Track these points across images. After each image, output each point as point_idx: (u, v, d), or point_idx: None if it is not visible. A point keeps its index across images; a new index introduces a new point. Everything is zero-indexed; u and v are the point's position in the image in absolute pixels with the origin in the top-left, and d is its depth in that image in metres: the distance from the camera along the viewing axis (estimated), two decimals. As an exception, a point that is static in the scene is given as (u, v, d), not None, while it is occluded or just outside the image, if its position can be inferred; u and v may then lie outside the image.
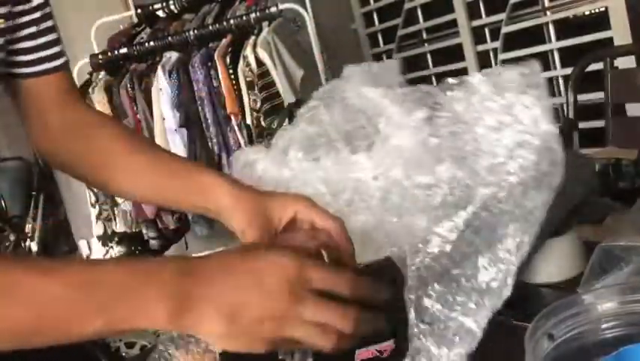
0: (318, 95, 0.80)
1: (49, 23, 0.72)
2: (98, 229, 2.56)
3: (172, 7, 2.58)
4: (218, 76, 2.26)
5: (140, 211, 2.38)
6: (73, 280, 0.44)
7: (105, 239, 2.56)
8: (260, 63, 2.19)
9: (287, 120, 2.07)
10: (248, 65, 2.22)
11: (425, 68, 2.89)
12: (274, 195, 0.63)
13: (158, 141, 2.35)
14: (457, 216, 0.58)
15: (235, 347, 0.46)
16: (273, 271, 0.45)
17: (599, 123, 1.64)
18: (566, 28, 2.34)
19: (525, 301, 0.65)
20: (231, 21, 2.31)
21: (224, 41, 2.30)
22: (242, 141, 2.24)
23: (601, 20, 2.18)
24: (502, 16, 2.43)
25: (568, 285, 0.66)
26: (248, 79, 2.22)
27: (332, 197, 0.70)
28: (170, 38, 2.39)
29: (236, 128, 2.25)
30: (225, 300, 0.45)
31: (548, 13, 2.36)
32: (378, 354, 0.54)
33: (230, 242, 0.65)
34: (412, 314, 0.52)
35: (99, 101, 2.40)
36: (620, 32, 2.10)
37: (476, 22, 2.60)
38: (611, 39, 2.12)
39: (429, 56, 2.87)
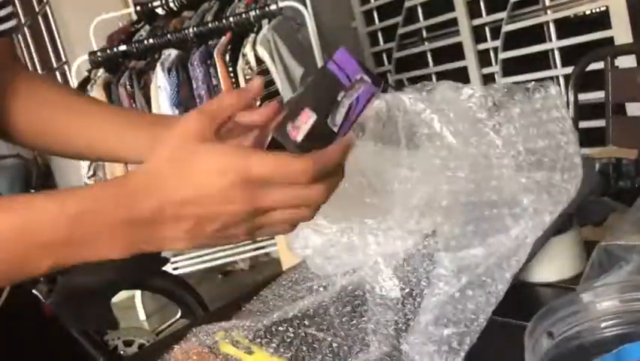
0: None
1: None
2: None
3: (171, 4, 2.58)
4: (217, 74, 2.26)
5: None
6: (14, 222, 0.43)
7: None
8: (259, 61, 2.19)
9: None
10: (247, 63, 2.21)
11: (425, 66, 2.89)
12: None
13: (157, 138, 2.35)
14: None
15: (210, 246, 0.46)
16: (217, 179, 0.42)
17: (599, 123, 1.63)
18: (566, 27, 2.34)
19: (525, 300, 0.65)
20: (231, 19, 2.31)
21: (223, 39, 2.30)
22: (241, 139, 2.24)
23: (601, 19, 2.18)
24: (503, 14, 2.43)
25: (568, 284, 0.66)
26: (247, 77, 2.22)
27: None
28: (169, 36, 2.38)
29: (235, 126, 2.25)
30: (179, 219, 0.43)
31: (549, 12, 2.36)
32: None
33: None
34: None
35: (98, 98, 2.40)
36: (620, 31, 2.09)
37: (476, 21, 2.60)
38: (611, 38, 2.12)
39: (429, 55, 2.87)
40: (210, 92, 2.28)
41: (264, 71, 2.19)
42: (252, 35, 2.24)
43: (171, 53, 2.34)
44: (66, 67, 3.27)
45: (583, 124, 1.65)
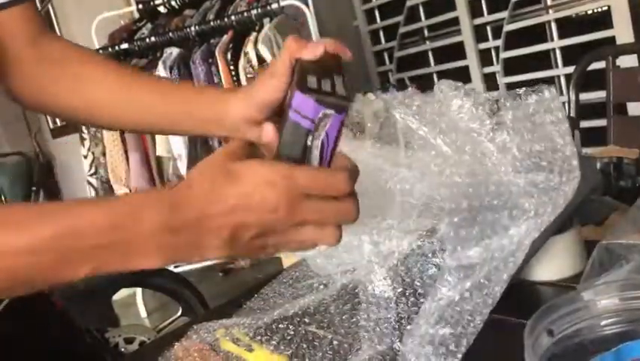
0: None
1: None
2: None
3: (173, 2, 2.58)
4: (219, 72, 2.26)
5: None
6: (59, 226, 0.43)
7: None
8: (261, 59, 2.19)
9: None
10: (249, 61, 2.21)
11: (427, 65, 2.89)
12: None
13: (158, 138, 2.35)
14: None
15: (240, 257, 0.47)
16: (263, 188, 0.44)
17: (600, 122, 1.63)
18: (568, 26, 2.34)
19: (525, 298, 0.65)
20: (232, 17, 2.31)
21: (225, 37, 2.30)
22: (242, 138, 2.24)
23: (603, 19, 2.18)
24: (504, 14, 2.43)
25: (568, 283, 0.66)
26: (249, 75, 2.22)
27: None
28: (171, 34, 2.38)
29: (236, 124, 2.25)
30: (221, 228, 0.44)
31: (550, 11, 2.36)
32: None
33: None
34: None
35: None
36: (622, 31, 2.09)
37: (478, 20, 2.60)
38: (613, 38, 2.12)
39: (430, 54, 2.87)
40: (212, 90, 2.29)
41: (266, 70, 2.19)
42: (254, 34, 2.24)
43: (173, 52, 2.35)
44: (68, 65, 3.26)
45: (584, 124, 1.65)
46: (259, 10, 2.28)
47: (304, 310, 0.67)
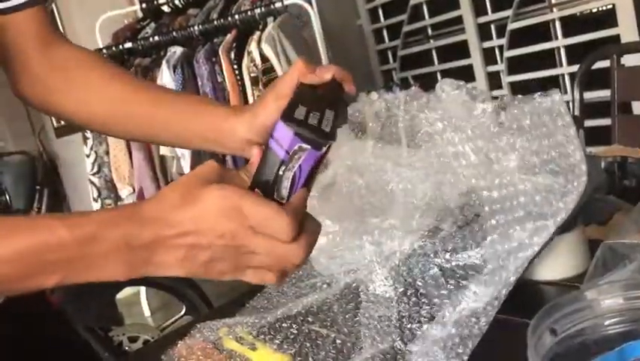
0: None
1: None
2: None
3: (177, 2, 2.58)
4: (222, 71, 2.26)
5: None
6: (21, 245, 0.46)
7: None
8: (264, 59, 2.19)
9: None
10: (252, 60, 2.21)
11: (430, 64, 2.88)
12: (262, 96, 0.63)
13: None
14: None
15: (202, 277, 0.50)
16: (214, 215, 0.46)
17: (605, 121, 1.63)
18: (572, 25, 2.33)
19: (529, 297, 0.65)
20: (236, 16, 2.31)
21: (228, 37, 2.30)
22: (246, 137, 2.24)
23: (608, 17, 2.17)
24: (509, 12, 2.42)
25: (572, 282, 0.66)
26: (252, 75, 2.22)
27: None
28: (174, 33, 2.39)
29: (240, 123, 2.25)
30: (175, 248, 0.47)
31: (555, 10, 2.35)
32: None
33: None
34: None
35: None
36: (627, 30, 2.08)
37: (482, 19, 2.59)
38: (617, 36, 2.11)
39: (434, 53, 2.86)
40: (215, 89, 2.29)
41: (269, 69, 2.19)
42: (257, 33, 2.24)
43: (176, 51, 2.35)
44: (72, 64, 3.26)
45: (588, 123, 1.64)
46: (263, 9, 2.28)
47: (307, 310, 0.67)
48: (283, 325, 0.65)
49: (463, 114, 0.62)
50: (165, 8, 2.64)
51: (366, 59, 3.12)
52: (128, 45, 2.44)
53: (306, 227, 0.48)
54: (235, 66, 2.24)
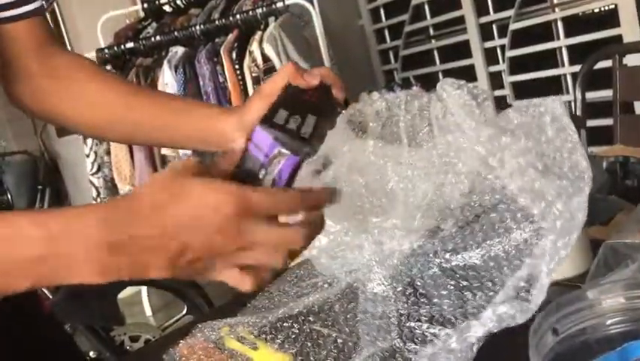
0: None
1: None
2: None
3: (178, 1, 2.58)
4: (224, 71, 2.26)
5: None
6: None
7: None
8: (266, 58, 2.19)
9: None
10: (254, 60, 2.21)
11: (432, 64, 2.88)
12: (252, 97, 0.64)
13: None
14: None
15: (183, 278, 0.46)
16: (211, 209, 0.43)
17: (607, 121, 1.63)
18: (574, 25, 2.33)
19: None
20: (238, 16, 2.31)
21: (230, 36, 2.30)
22: (247, 137, 2.24)
23: (610, 17, 2.16)
24: (510, 12, 2.42)
25: (573, 282, 0.66)
26: (254, 74, 2.22)
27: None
28: (176, 33, 2.39)
29: (241, 123, 2.25)
30: (163, 248, 0.43)
31: (557, 10, 2.35)
32: None
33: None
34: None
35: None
36: (629, 29, 2.08)
37: (484, 19, 2.59)
38: (620, 36, 2.11)
39: (436, 53, 2.86)
40: (217, 89, 2.29)
41: (271, 69, 2.19)
42: (259, 33, 2.24)
43: (178, 51, 2.35)
44: (74, 64, 3.27)
45: (590, 123, 1.64)
46: (264, 9, 2.28)
47: (309, 309, 0.67)
48: (284, 324, 0.65)
49: (465, 114, 0.62)
50: (167, 8, 2.64)
51: (367, 59, 3.12)
52: (130, 45, 2.45)
53: (314, 221, 0.47)
54: (237, 66, 2.24)
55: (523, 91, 2.48)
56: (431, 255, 0.62)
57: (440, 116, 0.64)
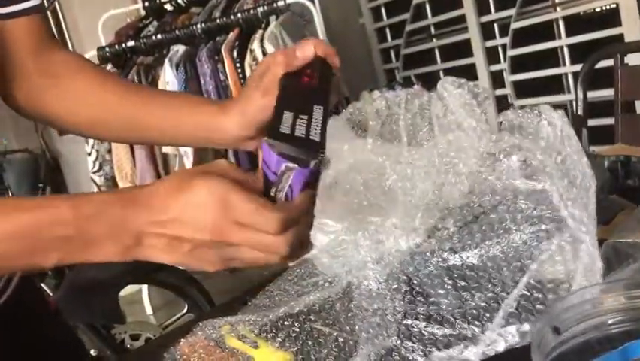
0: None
1: None
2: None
3: (179, 0, 2.58)
4: (225, 70, 2.26)
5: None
6: (24, 222, 0.48)
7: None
8: (267, 57, 2.19)
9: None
10: (255, 59, 2.21)
11: (433, 63, 2.88)
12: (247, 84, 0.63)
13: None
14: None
15: (189, 267, 0.51)
16: (195, 207, 0.48)
17: (608, 121, 1.62)
18: (576, 24, 2.33)
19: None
20: (239, 15, 2.31)
21: (231, 35, 2.30)
22: (248, 135, 2.24)
23: (611, 17, 2.16)
24: (512, 11, 2.42)
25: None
26: (255, 73, 2.22)
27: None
28: (177, 32, 2.39)
29: (242, 122, 2.25)
30: (159, 236, 0.49)
31: (558, 9, 2.34)
32: None
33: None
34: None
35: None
36: (630, 29, 2.08)
37: (485, 18, 2.59)
38: (621, 35, 2.11)
39: (437, 52, 2.86)
40: (218, 88, 2.29)
41: (272, 67, 2.18)
42: (260, 31, 2.24)
43: (179, 49, 2.35)
44: (75, 62, 3.27)
45: (592, 122, 1.64)
46: (265, 7, 2.28)
47: (310, 308, 0.67)
48: (285, 323, 0.65)
49: (465, 113, 0.62)
50: (168, 7, 2.64)
51: (368, 58, 3.12)
52: (131, 43, 2.45)
53: (297, 225, 0.49)
54: (238, 65, 2.25)
55: (524, 90, 2.48)
56: (429, 254, 0.61)
57: (441, 115, 0.64)
